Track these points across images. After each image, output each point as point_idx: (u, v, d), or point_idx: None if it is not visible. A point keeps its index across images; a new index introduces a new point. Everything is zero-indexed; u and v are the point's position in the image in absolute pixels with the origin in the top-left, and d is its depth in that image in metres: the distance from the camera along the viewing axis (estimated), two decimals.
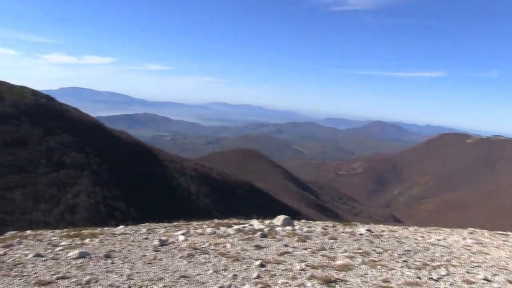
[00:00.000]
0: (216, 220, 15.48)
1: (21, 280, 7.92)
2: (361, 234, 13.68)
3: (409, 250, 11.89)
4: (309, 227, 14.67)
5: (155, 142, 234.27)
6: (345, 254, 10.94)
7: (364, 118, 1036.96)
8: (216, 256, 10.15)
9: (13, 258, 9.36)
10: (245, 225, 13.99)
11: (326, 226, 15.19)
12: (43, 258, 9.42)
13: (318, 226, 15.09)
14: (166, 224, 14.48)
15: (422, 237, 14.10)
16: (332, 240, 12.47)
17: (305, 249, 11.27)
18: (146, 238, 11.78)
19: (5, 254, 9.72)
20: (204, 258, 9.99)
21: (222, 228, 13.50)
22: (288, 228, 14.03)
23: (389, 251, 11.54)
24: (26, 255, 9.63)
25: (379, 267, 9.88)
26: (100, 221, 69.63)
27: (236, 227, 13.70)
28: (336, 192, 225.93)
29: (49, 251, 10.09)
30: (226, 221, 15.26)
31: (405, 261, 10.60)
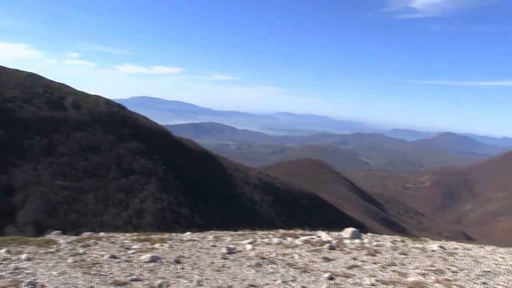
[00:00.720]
0: (281, 230, 15.43)
1: (99, 279, 8.26)
2: (433, 251, 13.16)
3: (488, 271, 11.20)
4: (377, 241, 14.32)
5: (220, 151, 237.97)
6: (417, 270, 10.56)
7: (433, 129, 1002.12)
8: (284, 267, 10.11)
9: (91, 258, 9.79)
10: (312, 237, 13.86)
11: (395, 240, 14.77)
12: (118, 260, 9.77)
13: (386, 240, 14.70)
14: (232, 232, 14.60)
15: (503, 258, 13.27)
16: (402, 256, 12.09)
17: (374, 263, 10.99)
18: (214, 246, 11.92)
19: (84, 253, 10.18)
20: (272, 268, 9.98)
21: (289, 239, 13.43)
22: (357, 241, 13.76)
23: (465, 271, 10.99)
24: (102, 255, 10.03)
25: (455, 287, 9.44)
26: (165, 227, 71.50)
27: (303, 238, 13.59)
28: (402, 205, 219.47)
29: (122, 253, 10.45)
30: (292, 231, 15.17)
31: (484, 283, 10.02)
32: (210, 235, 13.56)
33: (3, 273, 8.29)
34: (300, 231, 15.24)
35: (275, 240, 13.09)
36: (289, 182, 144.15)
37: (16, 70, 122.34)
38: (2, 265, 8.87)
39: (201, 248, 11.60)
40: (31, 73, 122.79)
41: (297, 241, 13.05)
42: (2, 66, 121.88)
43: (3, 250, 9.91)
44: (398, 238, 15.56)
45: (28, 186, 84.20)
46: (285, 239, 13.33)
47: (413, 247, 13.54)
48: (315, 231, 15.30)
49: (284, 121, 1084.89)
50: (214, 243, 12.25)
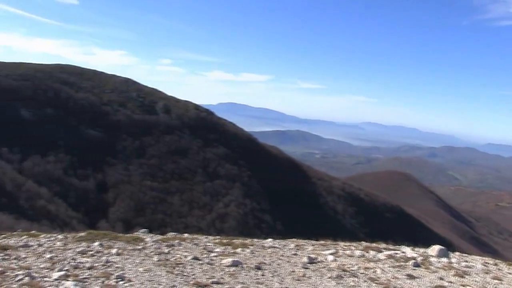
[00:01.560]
0: (364, 243, 15.02)
1: (182, 279, 8.49)
2: None
3: None
4: (466, 261, 13.50)
5: (305, 159, 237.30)
6: None
7: None
8: (365, 281, 9.82)
9: (175, 258, 10.09)
10: (396, 252, 13.36)
11: (487, 263, 13.84)
12: (200, 262, 9.99)
13: (477, 261, 13.82)
14: (313, 242, 14.43)
15: None
16: (496, 281, 11.29)
17: (463, 286, 10.37)
18: (295, 254, 11.84)
19: (168, 253, 10.52)
20: (353, 281, 9.73)
21: (372, 252, 13.05)
22: (444, 260, 13.07)
23: None
24: (185, 256, 10.30)
25: None
26: (247, 232, 72.26)
27: (386, 252, 13.14)
28: (495, 225, 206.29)
29: (205, 255, 10.66)
30: (374, 245, 14.73)
31: None
32: (291, 243, 13.50)
33: (96, 264, 8.87)
34: (384, 245, 14.75)
35: (358, 252, 12.77)
36: (373, 194, 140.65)
37: (114, 75, 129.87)
38: (96, 257, 9.47)
39: (282, 255, 11.56)
40: (126, 78, 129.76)
41: (380, 255, 12.64)
42: (102, 72, 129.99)
43: (96, 243, 10.55)
44: (490, 260, 14.58)
45: (119, 184, 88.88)
46: (367, 252, 12.97)
47: (509, 272, 12.62)
48: (399, 246, 14.75)
49: (371, 131, 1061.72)
50: (295, 252, 12.18)
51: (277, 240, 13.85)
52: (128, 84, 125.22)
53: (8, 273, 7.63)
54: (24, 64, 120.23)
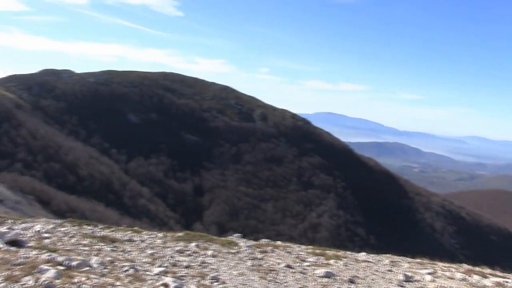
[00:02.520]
0: (465, 266, 14.16)
1: (274, 286, 8.56)
2: None
3: None
4: None
5: (402, 173, 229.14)
6: None
7: None
8: None
9: (268, 264, 10.20)
10: (506, 280, 12.40)
11: None
12: (293, 270, 10.00)
13: None
14: (409, 259, 13.87)
15: None
16: None
17: None
18: (390, 270, 11.47)
19: (262, 259, 10.66)
20: None
21: (475, 277, 12.25)
22: None
23: None
24: (278, 263, 10.38)
25: None
26: (339, 243, 71.10)
27: (493, 279, 12.25)
28: None
29: (298, 264, 10.66)
30: (478, 269, 13.82)
31: None
32: (386, 259, 13.09)
33: (192, 263, 9.24)
34: (489, 271, 13.78)
35: (459, 275, 12.06)
36: (477, 214, 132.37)
37: (214, 83, 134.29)
38: (192, 257, 9.87)
39: (376, 271, 11.26)
40: (225, 86, 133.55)
41: (486, 282, 11.82)
42: (202, 80, 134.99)
43: (193, 244, 10.98)
44: None
45: (215, 189, 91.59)
46: (470, 276, 12.20)
47: None
48: (508, 273, 13.70)
49: (475, 146, 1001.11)
50: (390, 268, 11.79)
51: (371, 255, 13.50)
52: (227, 92, 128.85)
53: (116, 263, 8.19)
54: (133, 72, 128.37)
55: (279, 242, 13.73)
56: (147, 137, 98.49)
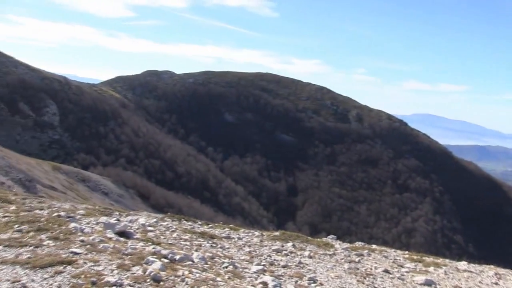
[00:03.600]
0: None
1: None
2: None
3: None
4: None
5: (506, 179, 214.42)
6: None
7: None
8: None
9: (365, 268, 10.05)
10: None
11: None
12: (391, 276, 9.76)
13: None
14: None
15: None
16: None
17: None
18: (496, 284, 10.80)
19: (358, 262, 10.52)
20: None
21: None
22: None
23: None
24: (375, 268, 10.18)
25: None
26: (434, 250, 68.05)
27: None
28: None
29: (395, 269, 10.38)
30: None
31: None
32: (490, 270, 12.34)
33: (289, 263, 9.34)
34: None
35: None
36: None
37: (309, 83, 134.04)
38: (289, 256, 9.97)
39: (480, 282, 10.66)
40: (321, 86, 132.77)
41: None
42: (298, 80, 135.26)
43: (289, 244, 11.09)
44: None
45: (309, 189, 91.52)
46: None
47: None
48: None
49: None
50: (496, 281, 11.10)
51: (473, 264, 12.80)
52: (322, 92, 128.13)
53: (216, 259, 8.49)
54: (230, 73, 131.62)
55: (374, 246, 13.47)
56: (242, 136, 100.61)
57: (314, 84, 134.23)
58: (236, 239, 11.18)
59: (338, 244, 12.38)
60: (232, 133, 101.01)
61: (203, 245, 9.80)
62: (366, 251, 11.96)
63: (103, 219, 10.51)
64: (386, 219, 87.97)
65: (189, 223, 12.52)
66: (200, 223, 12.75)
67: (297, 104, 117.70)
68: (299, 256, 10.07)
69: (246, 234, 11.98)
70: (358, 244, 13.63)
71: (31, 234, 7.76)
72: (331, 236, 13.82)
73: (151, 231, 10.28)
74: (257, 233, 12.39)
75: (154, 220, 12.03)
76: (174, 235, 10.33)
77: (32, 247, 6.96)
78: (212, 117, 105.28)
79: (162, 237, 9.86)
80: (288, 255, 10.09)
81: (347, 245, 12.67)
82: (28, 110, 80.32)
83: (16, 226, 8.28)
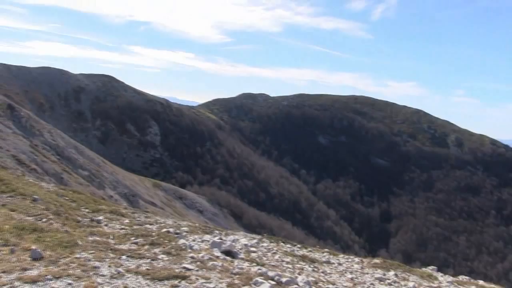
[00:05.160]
0: None
1: None
2: None
3: None
4: None
5: None
6: None
7: None
8: None
9: None
10: None
11: None
12: None
13: None
14: None
15: None
16: None
17: None
18: None
19: None
20: None
21: None
22: None
23: None
24: None
25: None
26: None
27: None
28: None
29: None
30: None
31: None
32: None
33: None
34: None
35: None
36: None
37: (404, 106, 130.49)
38: (393, 286, 9.76)
39: None
40: (417, 109, 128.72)
41: None
42: (393, 103, 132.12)
43: (391, 273, 10.82)
44: None
45: (403, 216, 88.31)
46: None
47: None
48: None
49: None
50: None
51: None
52: (419, 115, 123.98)
53: (320, 285, 8.50)
54: (324, 95, 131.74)
55: (481, 282, 12.79)
56: (335, 159, 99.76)
57: (410, 107, 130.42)
58: (336, 264, 11.11)
59: (441, 277, 11.90)
60: (325, 155, 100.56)
61: (305, 269, 9.84)
62: (473, 286, 11.41)
63: (207, 237, 10.84)
64: (490, 252, 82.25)
65: (288, 245, 12.60)
66: (299, 246, 12.81)
67: (392, 127, 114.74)
68: (404, 287, 9.80)
69: (346, 260, 11.87)
70: (462, 278, 13.00)
71: (146, 247, 8.25)
72: (431, 267, 13.32)
73: (253, 251, 10.45)
74: (356, 259, 12.23)
75: (255, 241, 12.25)
76: (276, 257, 10.44)
77: (149, 259, 7.36)
78: (306, 139, 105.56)
79: (264, 258, 10.00)
80: (391, 284, 9.85)
81: (450, 278, 12.15)
82: (134, 130, 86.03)
83: (133, 238, 8.87)
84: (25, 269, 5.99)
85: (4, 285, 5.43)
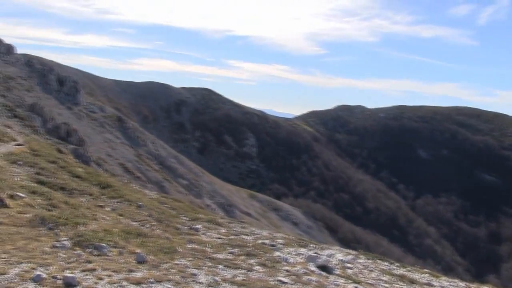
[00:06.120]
0: None
1: None
2: None
3: None
4: None
5: None
6: None
7: None
8: None
9: None
10: None
11: None
12: None
13: None
14: None
15: None
16: None
17: None
18: None
19: None
20: None
21: None
22: None
23: None
24: None
25: None
26: None
27: None
28: None
29: None
30: None
31: None
32: None
33: None
34: None
35: None
36: None
37: None
38: None
39: None
40: None
41: None
42: (502, 114, 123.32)
43: None
44: None
45: None
46: None
47: None
48: None
49: None
50: None
51: None
52: None
53: None
54: (424, 107, 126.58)
55: None
56: (437, 174, 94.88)
57: None
58: (438, 287, 10.06)
59: None
60: (425, 170, 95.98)
61: None
62: None
63: (303, 250, 10.67)
64: None
65: (385, 263, 11.79)
66: (397, 264, 11.89)
67: (501, 140, 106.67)
68: None
69: (449, 283, 10.76)
70: None
71: (242, 257, 8.51)
72: None
73: (349, 268, 10.04)
74: (462, 284, 11.09)
75: (351, 256, 11.61)
76: (373, 275, 9.84)
77: (245, 270, 7.63)
78: (405, 152, 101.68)
79: (360, 275, 9.55)
80: None
81: None
82: (231, 142, 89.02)
83: (229, 248, 9.19)
84: (131, 271, 6.59)
85: (114, 283, 6.00)
